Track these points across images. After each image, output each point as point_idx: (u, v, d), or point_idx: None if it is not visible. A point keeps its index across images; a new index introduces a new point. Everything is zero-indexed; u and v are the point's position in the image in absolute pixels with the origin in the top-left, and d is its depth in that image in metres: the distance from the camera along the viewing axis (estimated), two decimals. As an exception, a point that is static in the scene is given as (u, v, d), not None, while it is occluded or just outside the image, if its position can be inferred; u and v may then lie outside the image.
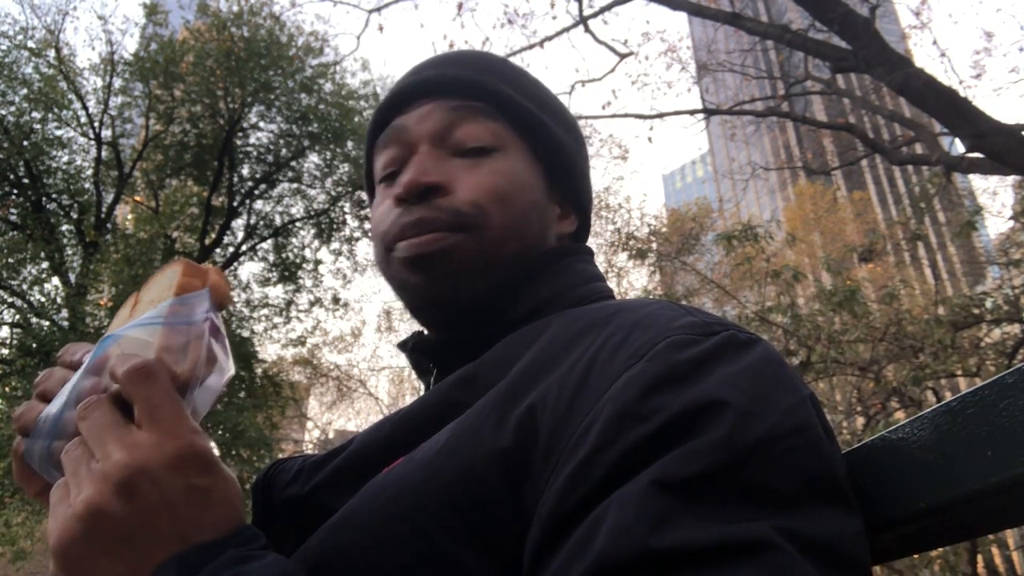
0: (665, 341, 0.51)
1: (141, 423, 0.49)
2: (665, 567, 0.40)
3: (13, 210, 11.14)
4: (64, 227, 11.56)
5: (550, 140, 0.78)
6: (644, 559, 0.40)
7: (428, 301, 0.71)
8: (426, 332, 0.77)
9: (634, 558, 0.40)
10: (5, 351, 10.66)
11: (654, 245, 15.17)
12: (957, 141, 6.70)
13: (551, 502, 0.46)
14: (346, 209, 13.70)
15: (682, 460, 0.44)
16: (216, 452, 0.52)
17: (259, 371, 12.78)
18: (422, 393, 0.70)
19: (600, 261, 15.10)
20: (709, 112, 9.92)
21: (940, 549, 6.59)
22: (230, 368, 0.56)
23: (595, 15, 8.83)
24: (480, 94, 0.75)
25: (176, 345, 0.53)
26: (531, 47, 9.60)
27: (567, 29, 9.00)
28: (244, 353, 12.01)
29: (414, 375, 0.80)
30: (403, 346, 0.77)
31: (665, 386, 0.48)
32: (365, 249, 14.56)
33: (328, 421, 19.44)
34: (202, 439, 0.50)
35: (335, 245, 13.79)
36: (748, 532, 0.41)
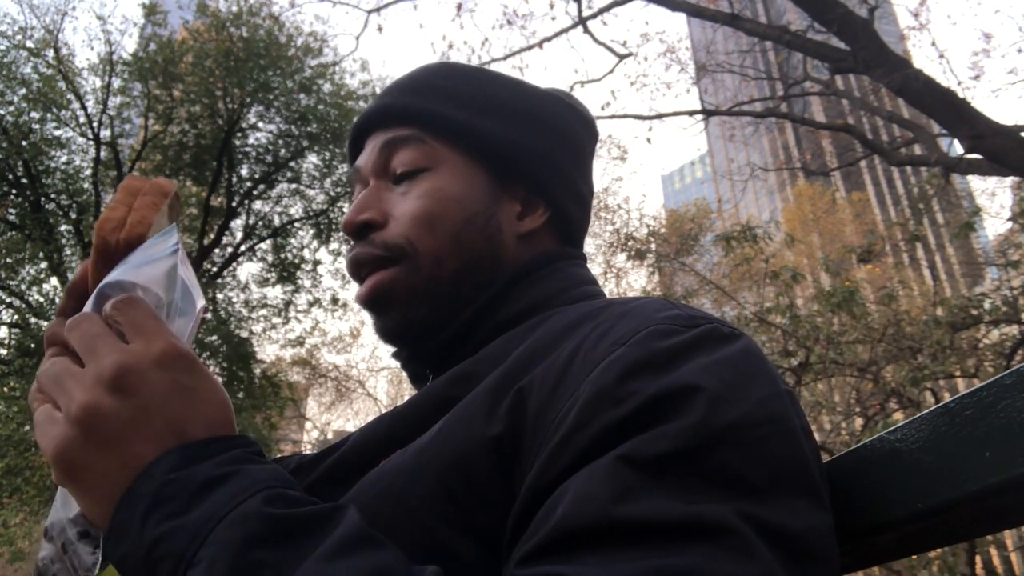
0: (647, 329, 0.52)
1: (127, 337, 0.52)
2: (623, 536, 0.41)
3: (12, 210, 11.13)
4: (63, 227, 11.55)
5: (487, 141, 0.76)
6: (604, 525, 0.41)
7: (385, 334, 0.75)
8: None
9: (594, 524, 0.41)
10: (3, 351, 10.65)
11: (653, 246, 15.17)
12: (956, 142, 6.71)
13: (530, 479, 0.48)
14: (345, 209, 13.68)
15: (651, 440, 0.45)
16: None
17: (258, 371, 12.77)
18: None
19: (599, 262, 15.16)
20: (708, 113, 9.92)
21: (938, 550, 6.59)
22: (200, 297, 0.60)
23: (594, 16, 8.84)
24: (408, 119, 0.77)
25: (154, 279, 0.58)
26: (530, 48, 9.60)
27: (566, 30, 9.01)
28: (243, 353, 12.00)
29: (407, 376, 0.81)
30: (397, 356, 0.78)
31: (642, 371, 0.49)
32: (364, 249, 14.52)
33: (327, 422, 19.44)
34: (183, 343, 0.54)
35: (334, 245, 13.78)
36: (710, 513, 0.41)
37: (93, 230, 0.61)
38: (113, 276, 0.58)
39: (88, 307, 0.57)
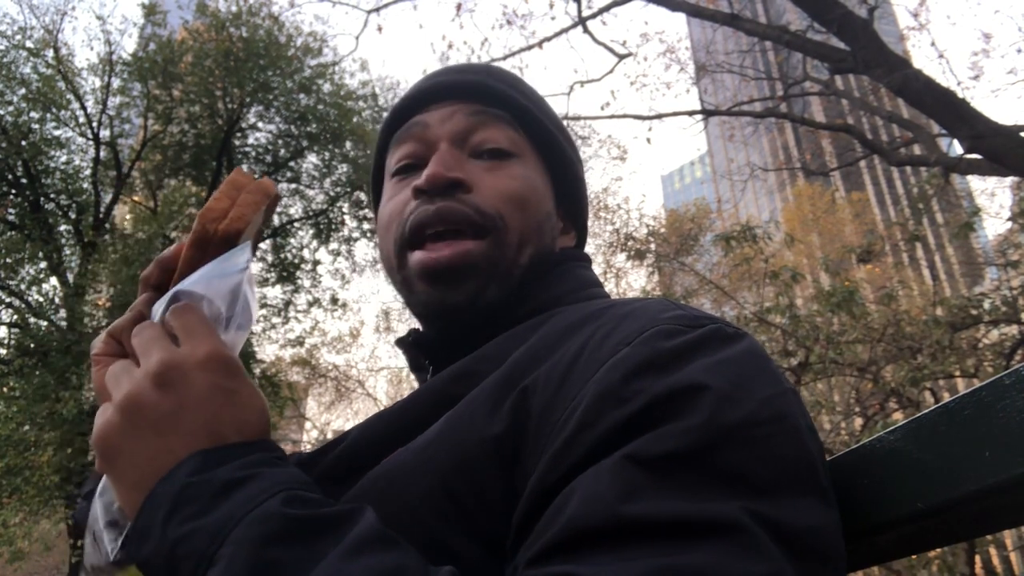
0: (652, 330, 0.53)
1: (179, 340, 0.56)
2: (632, 535, 0.41)
3: (11, 210, 11.13)
4: (62, 227, 11.55)
5: (562, 155, 0.80)
6: (612, 525, 0.41)
7: (445, 307, 0.70)
8: (422, 329, 0.78)
9: (603, 524, 0.41)
10: (3, 351, 10.64)
11: (652, 246, 15.17)
12: (955, 142, 6.71)
13: (534, 480, 0.48)
14: (344, 209, 13.70)
15: (658, 439, 0.45)
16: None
17: (257, 371, 12.77)
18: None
19: (599, 262, 15.14)
20: (708, 113, 9.92)
21: (938, 550, 6.60)
22: (255, 312, 0.63)
23: (594, 16, 8.84)
24: (499, 102, 0.77)
25: (220, 293, 0.61)
26: (530, 48, 9.60)
27: (566, 30, 9.00)
28: (242, 353, 11.91)
29: (412, 376, 0.81)
30: (402, 342, 0.78)
31: (648, 371, 0.49)
32: (363, 249, 14.58)
33: (326, 421, 19.43)
34: (228, 350, 0.56)
35: (333, 245, 13.79)
36: (718, 511, 0.41)
37: (196, 217, 0.63)
38: (187, 284, 0.61)
39: (162, 303, 0.61)
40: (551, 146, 0.79)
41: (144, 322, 0.59)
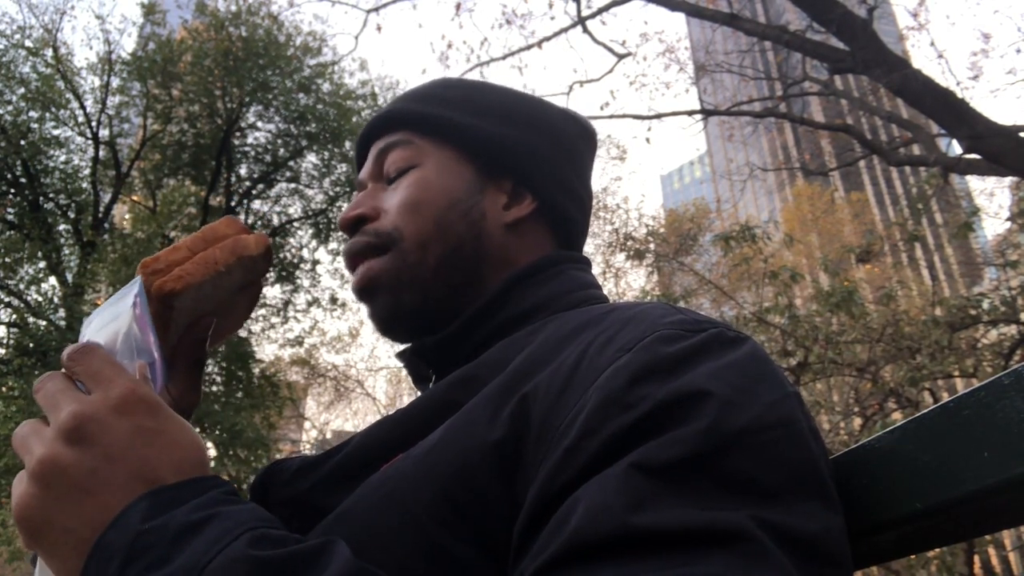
0: (653, 335, 0.52)
1: (87, 387, 0.52)
2: (640, 546, 0.41)
3: (10, 209, 11.12)
4: (61, 226, 11.55)
5: (472, 135, 0.79)
6: (620, 536, 0.41)
7: (377, 322, 0.77)
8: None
9: (610, 535, 0.41)
10: (2, 351, 10.64)
11: (652, 246, 15.18)
12: (954, 142, 6.71)
13: (537, 487, 0.47)
14: (344, 209, 13.68)
15: (663, 446, 0.44)
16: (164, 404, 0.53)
17: (256, 371, 12.77)
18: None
19: (598, 261, 15.16)
20: (707, 113, 9.91)
21: (937, 550, 6.60)
22: (151, 351, 0.57)
23: (593, 16, 8.84)
24: (401, 124, 0.81)
25: (110, 338, 0.56)
26: (529, 47, 9.60)
27: (565, 30, 9.00)
28: (241, 353, 12.00)
29: (411, 377, 0.81)
30: (401, 356, 0.79)
31: (650, 376, 0.49)
32: (363, 249, 14.54)
33: (326, 421, 19.43)
34: (145, 387, 0.52)
35: (333, 245, 13.78)
36: (725, 520, 0.41)
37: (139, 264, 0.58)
38: (85, 336, 0.56)
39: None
40: (459, 133, 0.79)
41: (45, 374, 0.54)
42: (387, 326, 0.76)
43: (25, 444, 0.50)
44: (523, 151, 0.80)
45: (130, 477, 0.48)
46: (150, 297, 0.57)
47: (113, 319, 0.56)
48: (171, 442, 0.50)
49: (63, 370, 0.54)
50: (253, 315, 13.53)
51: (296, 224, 13.68)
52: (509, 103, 0.83)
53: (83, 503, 0.47)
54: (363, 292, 0.76)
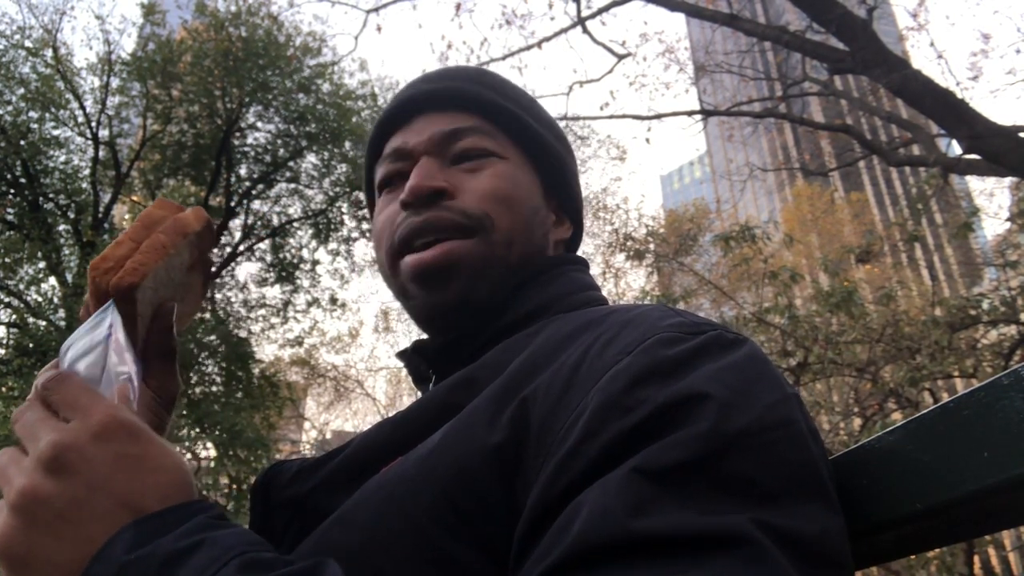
0: (653, 338, 0.52)
1: (65, 415, 0.51)
2: (643, 551, 0.41)
3: (10, 210, 11.12)
4: (61, 227, 11.53)
5: (546, 150, 0.80)
6: (622, 541, 0.41)
7: (437, 309, 0.72)
8: (424, 337, 0.78)
9: (613, 540, 0.41)
10: (2, 351, 10.63)
11: (651, 246, 15.16)
12: (954, 143, 6.71)
13: (537, 492, 0.47)
14: (344, 209, 13.68)
15: (664, 449, 0.44)
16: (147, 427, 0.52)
17: (256, 371, 12.75)
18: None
19: (598, 262, 15.15)
20: (707, 113, 9.91)
21: (937, 550, 6.60)
22: (125, 368, 0.56)
23: (593, 16, 8.83)
24: (476, 106, 0.77)
25: (88, 367, 0.54)
26: (529, 48, 9.59)
27: (565, 30, 9.00)
28: (241, 353, 11.99)
29: (411, 377, 0.81)
30: (402, 355, 0.78)
31: (650, 379, 0.49)
32: (363, 249, 14.56)
33: (325, 422, 19.43)
34: (125, 412, 0.51)
35: (333, 245, 13.78)
36: (727, 524, 0.41)
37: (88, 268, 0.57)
38: (65, 363, 0.55)
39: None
40: (533, 141, 0.79)
41: (23, 404, 0.53)
42: (442, 313, 0.72)
43: (4, 474, 0.49)
44: (571, 178, 0.83)
45: (114, 506, 0.46)
46: (108, 295, 0.56)
47: (90, 348, 0.55)
48: (154, 467, 0.49)
49: (40, 400, 0.53)
50: (253, 315, 13.56)
51: (296, 224, 13.67)
52: (550, 117, 0.85)
53: (66, 535, 0.45)
54: (438, 272, 0.70)
